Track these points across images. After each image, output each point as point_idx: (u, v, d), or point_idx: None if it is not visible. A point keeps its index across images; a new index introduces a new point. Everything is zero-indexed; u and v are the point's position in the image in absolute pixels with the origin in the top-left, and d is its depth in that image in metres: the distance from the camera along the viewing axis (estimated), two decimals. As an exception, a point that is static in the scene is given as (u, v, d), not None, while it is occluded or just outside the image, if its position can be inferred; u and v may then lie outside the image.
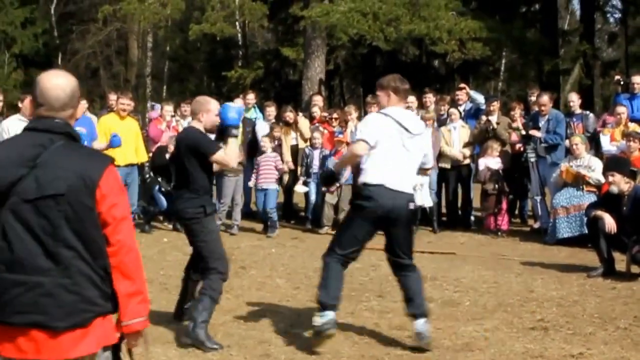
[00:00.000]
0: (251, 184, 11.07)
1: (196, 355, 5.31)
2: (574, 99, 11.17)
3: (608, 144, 10.28)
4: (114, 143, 9.03)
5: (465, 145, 11.07)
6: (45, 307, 2.79)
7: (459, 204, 11.37)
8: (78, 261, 2.80)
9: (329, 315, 5.48)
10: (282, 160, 11.16)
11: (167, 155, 10.84)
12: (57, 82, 2.91)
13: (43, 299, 2.79)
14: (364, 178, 5.50)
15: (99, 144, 9.33)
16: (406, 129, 5.50)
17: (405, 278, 5.64)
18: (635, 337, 5.72)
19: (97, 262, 2.84)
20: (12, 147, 2.88)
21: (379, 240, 5.70)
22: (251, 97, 12.65)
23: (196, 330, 5.53)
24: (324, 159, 10.96)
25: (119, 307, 2.91)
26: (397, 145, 5.48)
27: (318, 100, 12.51)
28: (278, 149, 11.33)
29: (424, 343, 5.49)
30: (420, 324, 5.51)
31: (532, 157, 10.41)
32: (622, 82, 11.89)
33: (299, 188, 11.25)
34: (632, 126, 10.27)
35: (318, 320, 5.47)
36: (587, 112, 11.50)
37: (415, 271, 5.67)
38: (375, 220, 5.47)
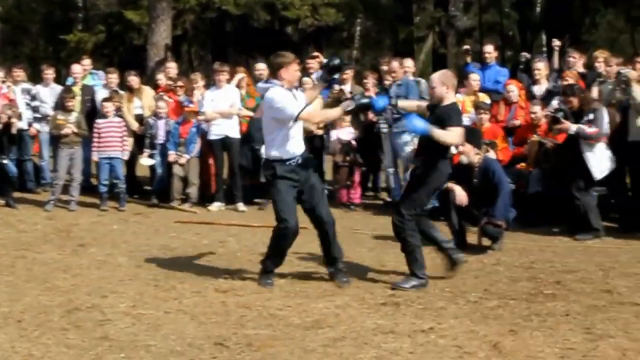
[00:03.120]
0: (95, 157, 10.52)
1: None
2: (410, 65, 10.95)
3: None
4: None
5: (317, 115, 10.82)
6: None
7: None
8: None
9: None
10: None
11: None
12: None
13: None
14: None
15: None
16: None
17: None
18: (485, 310, 5.76)
19: None
20: None
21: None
22: (87, 62, 12.03)
23: None
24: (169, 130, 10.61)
25: None
26: None
27: (172, 67, 11.93)
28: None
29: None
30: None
31: (384, 127, 10.22)
32: (471, 52, 11.98)
33: (144, 161, 10.82)
34: (482, 96, 10.31)
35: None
36: (419, 78, 11.42)
37: None
38: None
